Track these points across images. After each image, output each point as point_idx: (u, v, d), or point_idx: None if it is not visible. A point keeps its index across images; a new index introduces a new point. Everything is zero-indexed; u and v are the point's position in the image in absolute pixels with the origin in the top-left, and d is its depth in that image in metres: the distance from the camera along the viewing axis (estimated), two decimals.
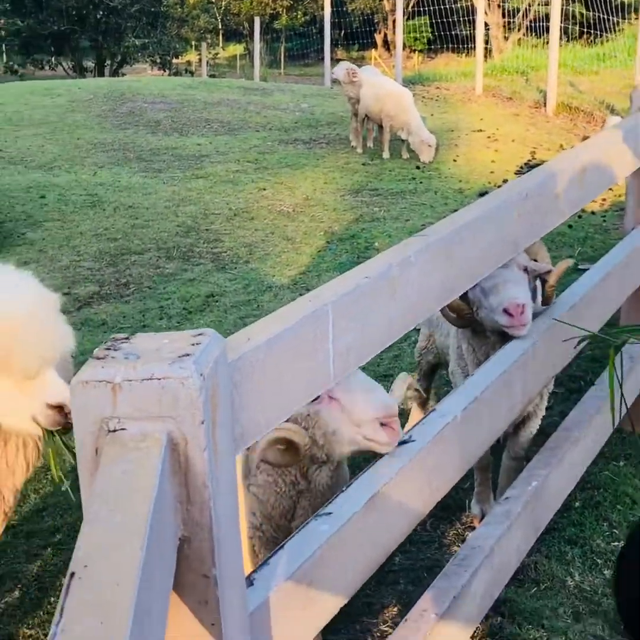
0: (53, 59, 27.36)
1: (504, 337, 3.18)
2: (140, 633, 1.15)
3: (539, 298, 3.36)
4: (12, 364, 2.42)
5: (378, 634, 3.34)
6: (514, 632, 3.20)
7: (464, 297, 3.15)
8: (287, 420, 2.31)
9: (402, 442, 2.51)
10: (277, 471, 2.63)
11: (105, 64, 27.43)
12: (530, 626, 3.22)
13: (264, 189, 9.77)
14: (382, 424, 2.39)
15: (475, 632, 3.14)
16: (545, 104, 14.01)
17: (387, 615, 3.44)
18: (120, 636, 1.10)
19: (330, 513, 2.24)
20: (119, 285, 7.07)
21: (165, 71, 27.66)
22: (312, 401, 2.32)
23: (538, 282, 3.35)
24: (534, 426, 3.74)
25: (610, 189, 6.03)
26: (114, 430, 1.51)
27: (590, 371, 5.19)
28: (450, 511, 4.04)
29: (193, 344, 1.57)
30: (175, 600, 1.57)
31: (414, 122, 11.02)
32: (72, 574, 1.19)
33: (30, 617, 3.50)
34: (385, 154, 11.29)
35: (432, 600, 2.73)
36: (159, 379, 1.49)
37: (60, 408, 2.46)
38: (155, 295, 6.88)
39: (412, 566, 3.67)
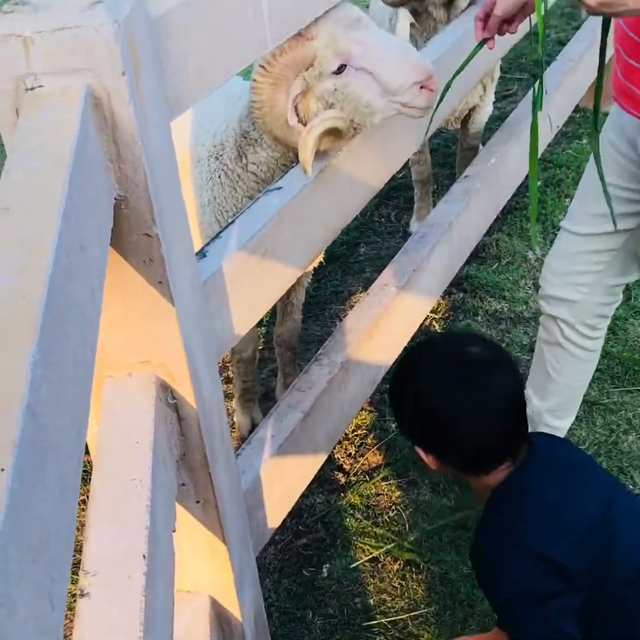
0: None
1: (448, 17, 3.04)
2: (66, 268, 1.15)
3: None
4: None
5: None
6: (477, 305, 3.30)
7: None
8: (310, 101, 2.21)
9: None
10: (283, 147, 2.44)
11: None
12: (491, 299, 3.32)
13: None
14: (421, 87, 2.16)
15: (437, 306, 3.23)
16: None
17: (354, 301, 3.52)
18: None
19: (280, 187, 2.22)
20: None
21: None
22: (336, 73, 2.19)
23: None
24: (482, 117, 3.61)
25: None
26: (32, 88, 1.44)
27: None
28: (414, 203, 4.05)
29: None
30: (118, 259, 1.57)
31: None
32: None
33: None
34: None
35: (393, 275, 2.79)
36: (71, 28, 1.40)
37: None
38: None
39: (377, 255, 3.72)
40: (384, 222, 3.92)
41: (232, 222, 2.10)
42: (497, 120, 4.50)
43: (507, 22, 2.32)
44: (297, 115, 2.27)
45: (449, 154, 4.27)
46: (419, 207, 3.79)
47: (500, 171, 3.27)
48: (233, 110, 2.52)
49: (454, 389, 1.88)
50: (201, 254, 2.00)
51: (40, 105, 1.41)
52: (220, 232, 2.07)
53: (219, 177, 2.57)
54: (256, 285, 2.09)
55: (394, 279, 2.76)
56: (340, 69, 2.18)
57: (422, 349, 2.09)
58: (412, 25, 3.18)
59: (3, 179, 1.24)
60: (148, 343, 1.61)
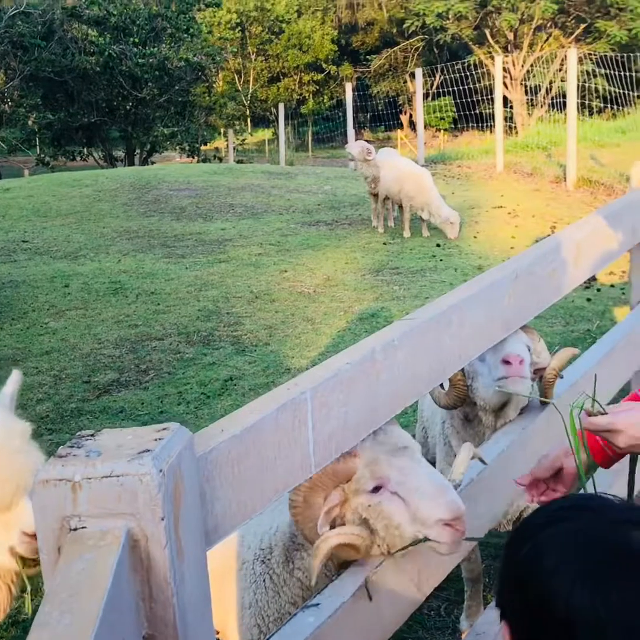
0: (84, 149, 28.07)
1: (496, 424, 3.15)
2: None
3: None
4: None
5: None
6: None
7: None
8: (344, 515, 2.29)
9: None
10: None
11: (135, 153, 28.09)
12: None
13: (286, 271, 9.87)
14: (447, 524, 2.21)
15: None
16: (565, 178, 14.10)
17: None
18: None
19: (317, 604, 2.21)
20: (139, 372, 7.12)
21: (194, 158, 28.24)
22: (373, 491, 2.26)
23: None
24: None
25: None
26: (75, 529, 1.51)
27: None
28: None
29: (155, 439, 1.58)
30: None
31: (434, 202, 11.13)
32: None
33: None
34: (406, 233, 11.40)
35: None
36: (118, 476, 1.49)
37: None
38: (174, 380, 6.91)
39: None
40: (434, 615, 3.82)
41: (268, 639, 2.08)
42: None
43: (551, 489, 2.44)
44: (334, 523, 2.31)
45: (501, 546, 4.21)
46: (468, 605, 3.69)
47: None
48: (284, 513, 2.57)
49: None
50: None
51: (81, 547, 1.47)
52: None
53: (264, 581, 2.57)
54: None
55: None
56: (376, 489, 2.25)
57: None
58: (457, 431, 3.32)
59: (30, 636, 1.27)
60: None
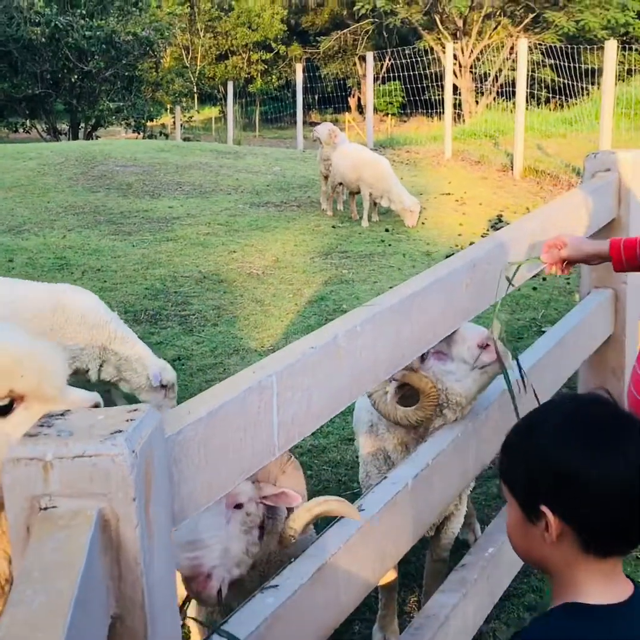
0: (27, 121, 27.54)
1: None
2: None
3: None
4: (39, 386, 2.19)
5: None
6: None
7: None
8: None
9: None
10: None
11: (80, 127, 27.62)
12: None
13: (234, 252, 9.83)
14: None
15: None
16: (512, 167, 14.25)
17: None
18: None
19: (276, 585, 2.23)
20: None
21: (139, 134, 27.89)
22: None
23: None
24: (455, 527, 3.51)
25: None
26: (45, 508, 1.51)
27: None
28: (411, 578, 4.01)
29: (127, 420, 1.58)
30: None
31: (394, 188, 11.03)
32: None
33: None
34: (365, 223, 11.19)
35: None
36: (90, 456, 1.49)
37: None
38: None
39: (371, 636, 3.63)
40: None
41: (225, 621, 2.09)
42: (496, 497, 4.58)
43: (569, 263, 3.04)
44: None
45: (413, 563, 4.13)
46: (383, 615, 3.56)
47: (498, 560, 3.28)
48: None
49: (583, 447, 1.67)
50: None
51: (52, 526, 1.47)
52: (212, 633, 2.05)
53: None
54: None
55: None
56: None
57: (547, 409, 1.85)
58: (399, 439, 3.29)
59: (5, 614, 1.27)
60: None
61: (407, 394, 3.07)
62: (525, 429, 1.78)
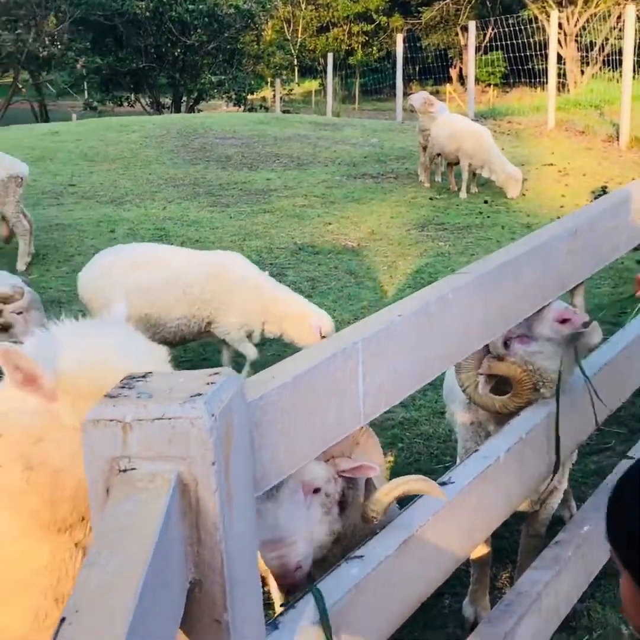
0: (132, 95, 27.99)
1: None
2: None
3: None
4: None
5: None
6: None
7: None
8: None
9: (442, 484, 2.46)
10: None
11: (182, 100, 27.95)
12: None
13: (330, 224, 9.79)
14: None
15: None
16: (618, 137, 13.81)
17: None
18: None
19: (361, 556, 2.19)
20: None
21: (240, 107, 28.04)
22: None
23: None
24: (555, 502, 3.43)
25: None
26: (125, 470, 1.49)
27: None
28: (504, 553, 3.93)
29: (207, 383, 1.55)
30: None
31: (495, 159, 10.83)
32: (63, 619, 1.17)
33: None
34: (463, 194, 11.05)
35: None
36: (170, 419, 1.47)
37: None
38: None
39: (461, 609, 3.57)
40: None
41: (309, 590, 2.06)
42: (593, 474, 4.44)
43: None
44: None
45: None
46: (474, 589, 3.50)
47: (594, 539, 3.17)
48: None
49: None
50: (274, 624, 1.95)
51: (130, 489, 1.45)
52: (296, 601, 2.03)
53: None
54: None
55: None
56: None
57: None
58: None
59: (80, 575, 1.25)
60: None
61: (500, 381, 2.99)
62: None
